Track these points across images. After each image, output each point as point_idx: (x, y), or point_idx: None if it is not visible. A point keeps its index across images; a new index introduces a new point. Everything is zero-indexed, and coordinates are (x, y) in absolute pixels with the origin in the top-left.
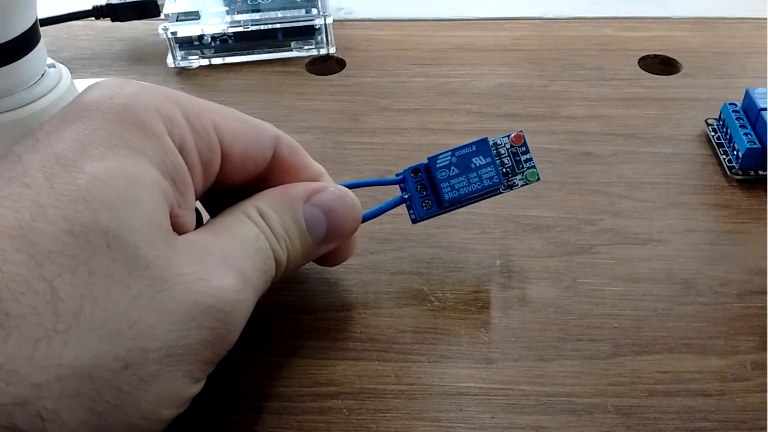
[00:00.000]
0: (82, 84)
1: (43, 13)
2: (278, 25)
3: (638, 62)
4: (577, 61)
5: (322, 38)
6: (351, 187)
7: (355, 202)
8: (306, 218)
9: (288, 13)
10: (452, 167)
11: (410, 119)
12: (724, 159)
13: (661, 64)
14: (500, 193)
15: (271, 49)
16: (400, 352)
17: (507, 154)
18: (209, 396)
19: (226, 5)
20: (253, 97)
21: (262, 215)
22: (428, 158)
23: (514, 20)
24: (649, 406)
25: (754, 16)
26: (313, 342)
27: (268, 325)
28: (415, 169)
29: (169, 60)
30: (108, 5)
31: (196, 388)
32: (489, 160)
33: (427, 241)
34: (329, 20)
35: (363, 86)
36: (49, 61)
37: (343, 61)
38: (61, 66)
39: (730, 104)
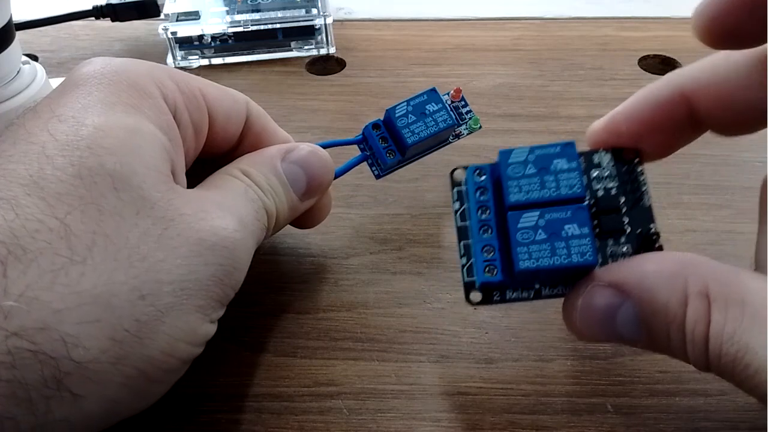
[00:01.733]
0: None
1: (43, 13)
2: (278, 25)
3: (638, 62)
4: (577, 61)
5: (322, 38)
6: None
7: (327, 155)
8: (286, 174)
9: (288, 13)
10: (409, 115)
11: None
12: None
13: (661, 64)
14: (450, 142)
15: (271, 49)
16: (400, 352)
17: (450, 109)
18: (209, 396)
19: (226, 5)
20: (253, 97)
21: (246, 174)
22: (387, 110)
23: (514, 20)
24: (649, 406)
25: None
26: (313, 342)
27: (268, 325)
28: (375, 125)
29: (169, 60)
30: (108, 5)
31: (210, 328)
32: (441, 105)
33: (427, 241)
34: (329, 20)
35: (363, 86)
36: (24, 59)
37: (343, 61)
38: (36, 64)
39: None
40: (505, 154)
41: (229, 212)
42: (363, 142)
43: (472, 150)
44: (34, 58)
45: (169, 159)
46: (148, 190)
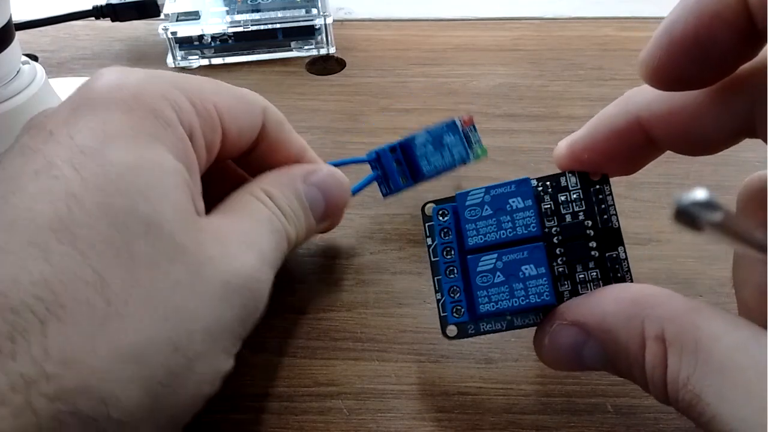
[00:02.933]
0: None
1: (43, 13)
2: (278, 25)
3: None
4: (577, 61)
5: (322, 38)
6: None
7: (344, 178)
8: (307, 197)
9: (288, 13)
10: (428, 145)
11: (410, 119)
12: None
13: None
14: (456, 168)
15: (271, 49)
16: (400, 352)
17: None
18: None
19: (226, 5)
20: None
21: (270, 196)
22: (407, 138)
23: (514, 20)
24: (649, 406)
25: None
26: (313, 342)
27: (268, 325)
28: (392, 148)
29: (169, 60)
30: (108, 5)
31: (231, 363)
32: (458, 138)
33: None
34: (329, 20)
35: (363, 86)
36: (24, 59)
37: (343, 61)
38: (36, 64)
39: None
40: (462, 196)
41: (253, 249)
42: (376, 161)
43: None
44: (34, 58)
45: (190, 191)
46: (180, 235)
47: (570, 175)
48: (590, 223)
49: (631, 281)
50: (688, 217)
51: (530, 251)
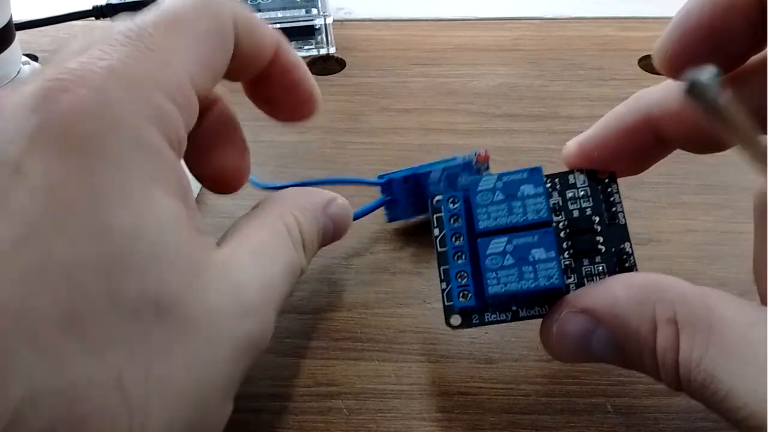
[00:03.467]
0: None
1: (43, 13)
2: (278, 25)
3: (638, 62)
4: (577, 61)
5: (322, 38)
6: (335, 183)
7: (351, 210)
8: (323, 227)
9: (288, 13)
10: (443, 181)
11: (410, 119)
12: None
13: None
14: None
15: None
16: (400, 352)
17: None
18: None
19: None
20: None
21: (299, 226)
22: (419, 169)
23: (514, 20)
24: (649, 406)
25: None
26: (313, 342)
27: None
28: (405, 177)
29: None
30: (108, 5)
31: (232, 406)
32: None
33: (428, 241)
34: (329, 20)
35: (363, 86)
36: (24, 59)
37: (343, 61)
38: (36, 64)
39: None
40: (474, 182)
41: (265, 299)
42: (386, 186)
43: (473, 150)
44: (34, 58)
45: (190, 227)
46: (190, 304)
47: (578, 173)
48: (597, 219)
49: None
50: (699, 90)
51: (540, 235)
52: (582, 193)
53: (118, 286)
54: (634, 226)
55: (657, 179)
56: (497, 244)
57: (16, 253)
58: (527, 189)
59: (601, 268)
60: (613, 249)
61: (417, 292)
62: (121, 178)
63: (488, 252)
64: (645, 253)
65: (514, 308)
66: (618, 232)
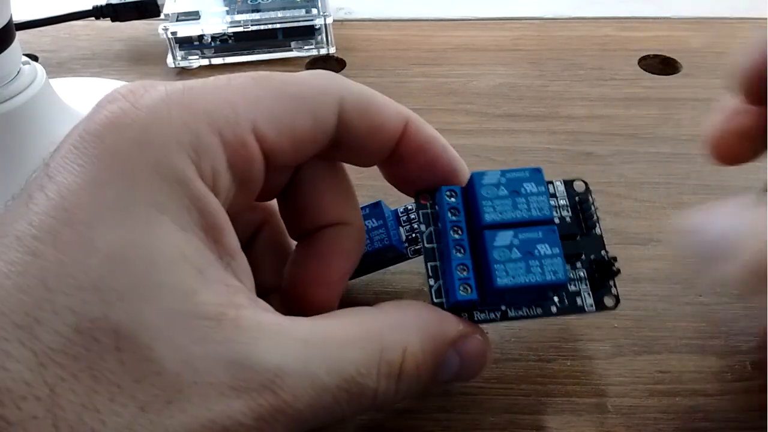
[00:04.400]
0: (82, 83)
1: (43, 13)
2: (278, 25)
3: (638, 62)
4: (577, 61)
5: (322, 38)
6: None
7: (489, 350)
8: (445, 362)
9: (288, 13)
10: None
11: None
12: None
13: (661, 64)
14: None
15: (271, 49)
16: None
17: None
18: None
19: (226, 5)
20: None
21: (404, 354)
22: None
23: (514, 20)
24: (649, 406)
25: (754, 16)
26: None
27: None
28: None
29: (169, 60)
30: (108, 5)
31: None
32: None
33: None
34: (329, 20)
35: None
36: (24, 59)
37: (343, 61)
38: (36, 64)
39: None
40: (479, 176)
41: (287, 396)
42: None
43: (473, 150)
44: (34, 58)
45: (199, 262)
46: (159, 348)
47: (558, 182)
48: (577, 229)
49: (615, 283)
50: None
51: (544, 232)
52: (562, 202)
53: (83, 306)
54: (634, 226)
55: (657, 179)
56: (504, 236)
57: (7, 253)
58: (529, 187)
59: (582, 273)
60: (592, 256)
61: (417, 292)
62: (126, 199)
63: (495, 244)
64: (645, 253)
65: (503, 308)
66: (595, 241)
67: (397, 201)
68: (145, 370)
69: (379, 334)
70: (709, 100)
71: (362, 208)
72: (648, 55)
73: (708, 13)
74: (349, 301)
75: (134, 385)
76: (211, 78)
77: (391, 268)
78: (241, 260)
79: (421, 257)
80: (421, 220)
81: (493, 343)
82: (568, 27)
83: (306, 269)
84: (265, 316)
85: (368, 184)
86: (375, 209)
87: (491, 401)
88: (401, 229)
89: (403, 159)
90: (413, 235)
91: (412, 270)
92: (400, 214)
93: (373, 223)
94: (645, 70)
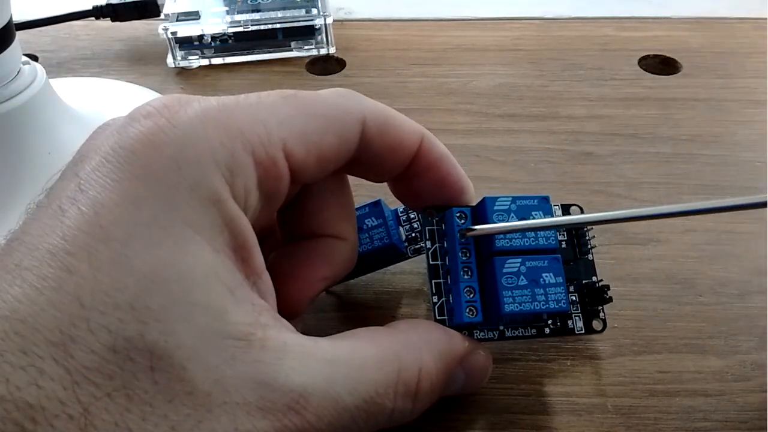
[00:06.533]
0: (82, 83)
1: (43, 13)
2: (278, 25)
3: (638, 62)
4: (577, 61)
5: (322, 38)
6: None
7: (491, 365)
8: (452, 380)
9: (288, 13)
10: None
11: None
12: None
13: (661, 64)
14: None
15: (271, 49)
16: None
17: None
18: None
19: (226, 5)
20: None
21: (420, 373)
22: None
23: (514, 20)
24: (649, 406)
25: (754, 16)
26: None
27: None
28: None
29: (169, 60)
30: (108, 5)
31: None
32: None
33: None
34: (329, 20)
35: (363, 86)
36: (24, 59)
37: (343, 61)
38: (36, 64)
39: None
40: (491, 201)
41: (308, 415)
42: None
43: (473, 150)
44: (34, 58)
45: (232, 284)
46: (193, 369)
47: (555, 207)
48: (572, 254)
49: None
50: None
51: (549, 261)
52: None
53: (119, 324)
54: (634, 226)
55: (657, 179)
56: (512, 264)
57: (40, 268)
58: (537, 215)
59: (574, 297)
60: (585, 281)
61: (417, 291)
62: (163, 218)
63: (504, 270)
64: (645, 253)
65: (501, 328)
66: (587, 266)
67: (397, 201)
68: (177, 390)
69: (396, 354)
70: (709, 100)
71: (362, 207)
72: (648, 55)
73: (708, 13)
74: (349, 300)
75: (166, 405)
76: (242, 96)
77: (391, 267)
78: (267, 279)
79: (421, 257)
80: (427, 236)
81: (494, 343)
82: (568, 27)
83: (290, 262)
84: (290, 336)
85: (368, 184)
86: (375, 208)
87: (491, 401)
88: (401, 228)
89: (414, 175)
90: (413, 234)
91: (412, 270)
92: (400, 214)
93: (373, 221)
94: (645, 70)
